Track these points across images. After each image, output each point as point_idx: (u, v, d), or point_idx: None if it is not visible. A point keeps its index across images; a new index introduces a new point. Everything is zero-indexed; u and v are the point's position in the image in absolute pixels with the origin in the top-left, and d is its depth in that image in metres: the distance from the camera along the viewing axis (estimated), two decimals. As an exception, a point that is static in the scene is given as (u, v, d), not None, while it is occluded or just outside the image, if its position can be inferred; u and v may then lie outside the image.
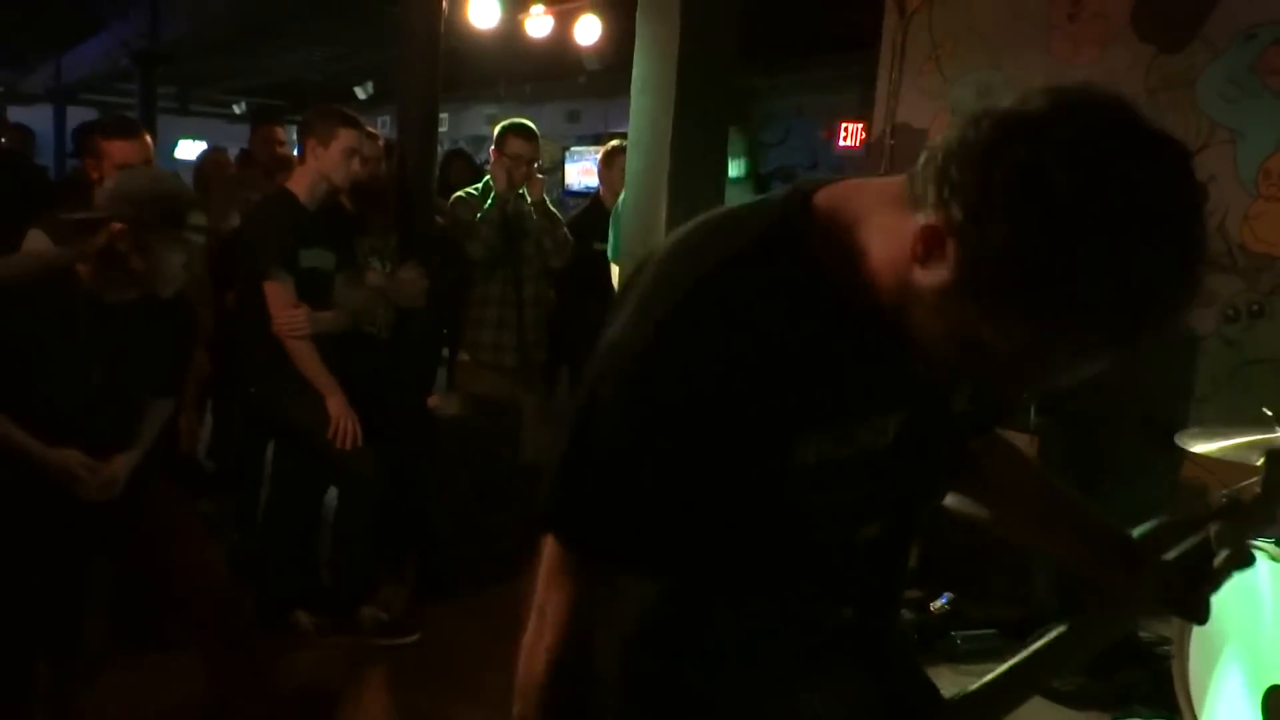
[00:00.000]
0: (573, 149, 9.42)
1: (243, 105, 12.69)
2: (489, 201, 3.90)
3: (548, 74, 8.22)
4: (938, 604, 3.51)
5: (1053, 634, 1.14)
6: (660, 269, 0.97)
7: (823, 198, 0.96)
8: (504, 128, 3.96)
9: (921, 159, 0.87)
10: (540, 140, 4.06)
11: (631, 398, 0.93)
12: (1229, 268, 3.85)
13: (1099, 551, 1.24)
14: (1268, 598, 2.61)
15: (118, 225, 2.24)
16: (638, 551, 0.96)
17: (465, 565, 3.69)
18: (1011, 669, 1.11)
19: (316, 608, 3.37)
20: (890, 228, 0.90)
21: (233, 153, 6.14)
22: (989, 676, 1.10)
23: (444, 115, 11.08)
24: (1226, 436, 2.70)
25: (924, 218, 0.85)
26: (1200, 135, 3.92)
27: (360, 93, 10.10)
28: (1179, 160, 0.82)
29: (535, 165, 3.96)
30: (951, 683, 1.15)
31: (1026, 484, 1.30)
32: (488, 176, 4.01)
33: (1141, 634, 3.24)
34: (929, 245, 0.85)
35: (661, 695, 1.09)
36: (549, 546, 0.98)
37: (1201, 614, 1.19)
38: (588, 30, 6.01)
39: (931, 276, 0.85)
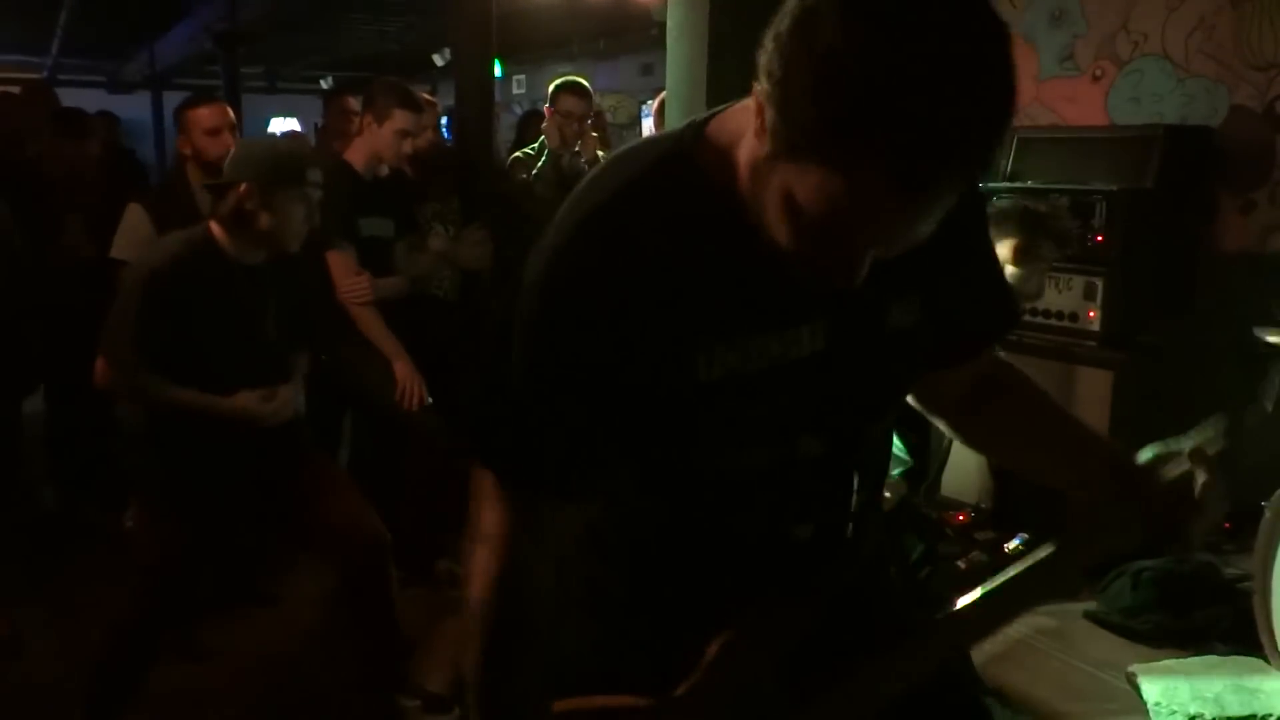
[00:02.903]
0: (648, 103, 9.38)
1: (329, 80, 12.96)
2: (543, 160, 3.92)
3: (618, 29, 8.18)
4: (1012, 544, 3.45)
5: (1040, 554, 1.13)
6: (567, 204, 1.02)
7: (715, 123, 1.00)
8: (557, 85, 3.98)
9: None
10: (615, 97, 4.07)
11: (529, 328, 0.97)
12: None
13: (1101, 478, 1.20)
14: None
15: (244, 186, 2.40)
16: (549, 478, 1.01)
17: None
18: (996, 589, 1.12)
19: (396, 561, 3.49)
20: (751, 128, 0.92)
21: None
22: (971, 596, 1.10)
23: (521, 78, 11.16)
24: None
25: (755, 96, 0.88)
26: (1289, 45, 3.69)
27: (438, 59, 10.21)
28: (968, 6, 0.81)
29: (589, 122, 3.97)
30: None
31: (1026, 412, 1.27)
32: (543, 136, 4.04)
33: (1224, 571, 3.13)
34: (759, 121, 0.87)
35: (612, 605, 1.14)
36: (476, 471, 1.04)
37: (1187, 544, 1.16)
38: (649, -20, 5.94)
39: (760, 150, 0.89)
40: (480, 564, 1.05)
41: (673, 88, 2.64)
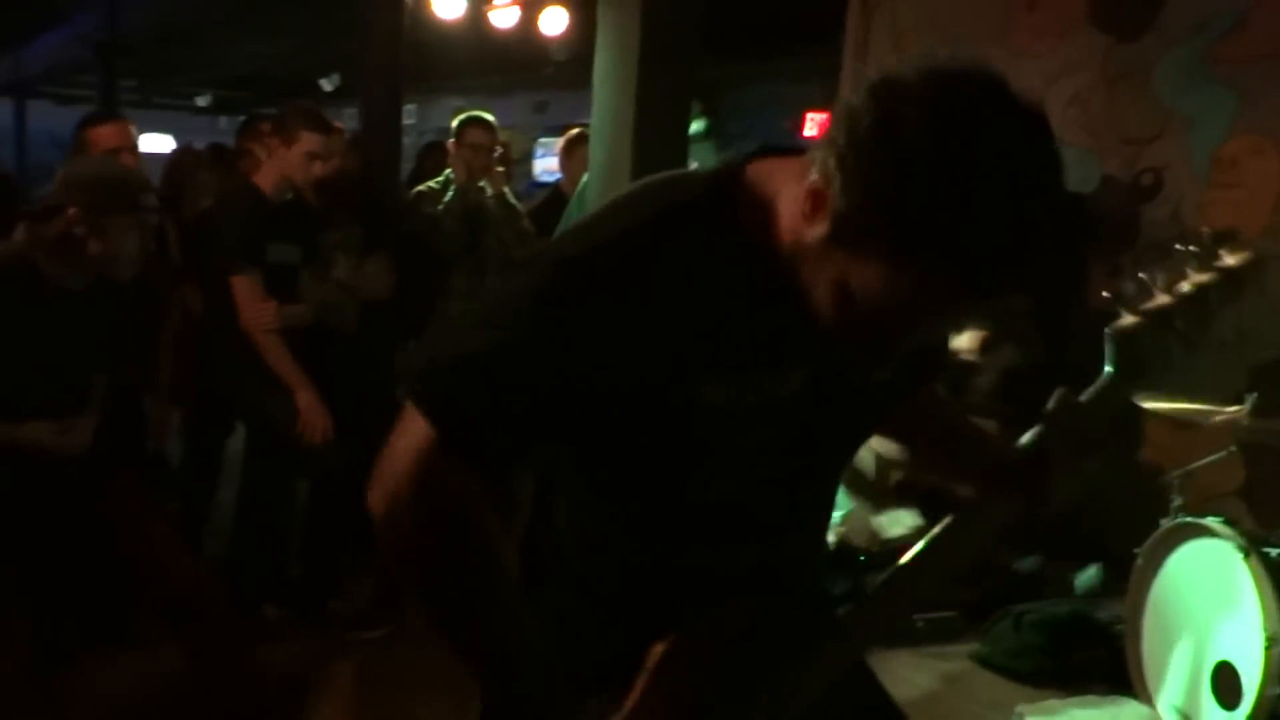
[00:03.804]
0: (540, 140, 9.44)
1: (207, 98, 12.58)
2: (449, 194, 3.90)
3: (514, 65, 8.21)
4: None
5: (929, 536, 1.21)
6: (609, 206, 1.07)
7: (752, 170, 1.05)
8: (463, 119, 3.97)
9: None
10: (507, 132, 4.07)
11: (547, 301, 0.99)
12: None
13: (997, 475, 1.28)
14: (1215, 577, 2.68)
15: (73, 211, 2.29)
16: (481, 448, 1.00)
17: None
18: (891, 577, 1.19)
19: (284, 601, 3.38)
20: (795, 196, 0.99)
21: (197, 146, 6.09)
22: (872, 588, 1.18)
23: (411, 107, 11.07)
24: (1180, 401, 2.83)
25: (810, 179, 0.95)
26: (1156, 124, 4.00)
27: (326, 85, 10.04)
28: (1033, 122, 0.90)
29: (495, 157, 3.97)
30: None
31: (941, 423, 1.38)
32: (448, 170, 4.01)
33: (1098, 614, 3.31)
34: (813, 203, 0.95)
35: (561, 614, 1.15)
36: (409, 414, 1.02)
37: (1044, 500, 1.23)
38: (554, 21, 6.01)
39: (813, 231, 0.95)
40: (391, 489, 1.02)
41: (598, 130, 2.69)
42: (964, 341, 2.94)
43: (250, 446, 3.54)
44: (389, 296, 3.64)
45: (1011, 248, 0.90)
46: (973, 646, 3.26)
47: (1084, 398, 1.25)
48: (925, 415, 1.36)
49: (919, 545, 1.22)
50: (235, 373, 3.21)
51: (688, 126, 2.79)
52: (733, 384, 1.03)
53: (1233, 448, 3.14)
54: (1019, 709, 2.86)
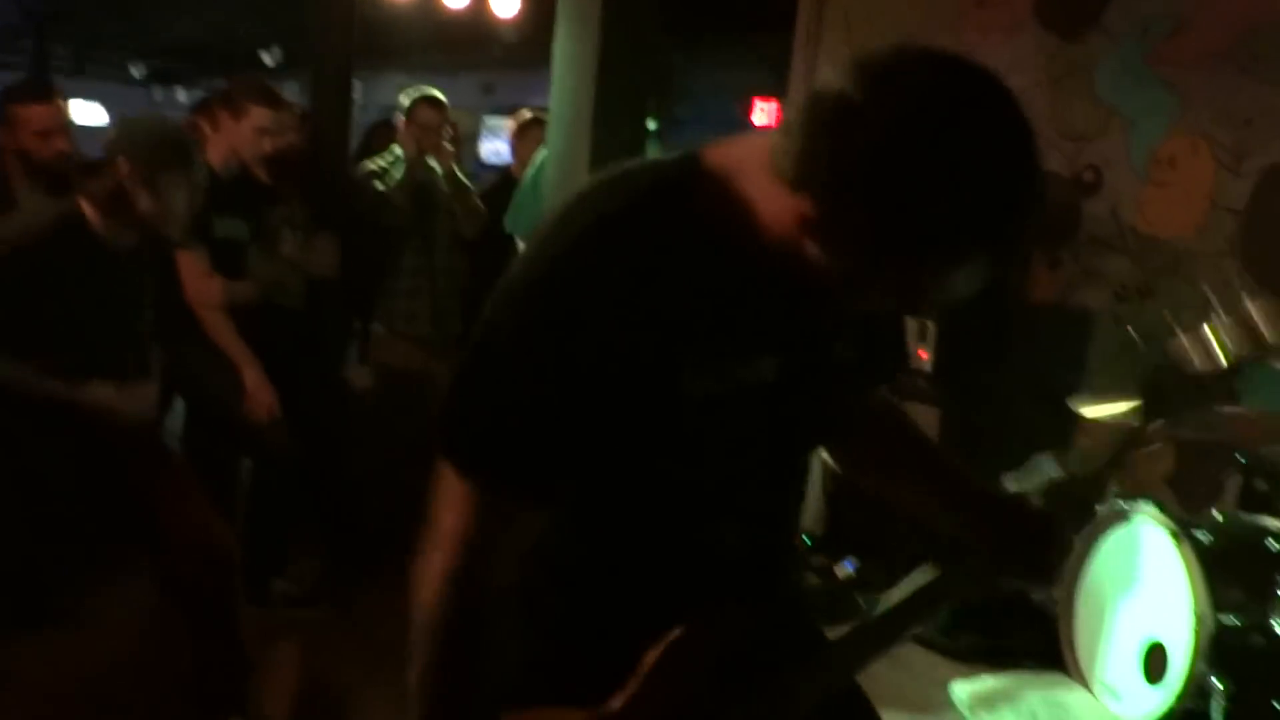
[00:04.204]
0: (487, 122, 9.36)
1: (142, 68, 12.25)
2: (399, 172, 3.87)
3: (463, 45, 8.14)
4: (843, 569, 3.64)
5: (923, 581, 1.23)
6: (561, 212, 1.05)
7: (711, 156, 1.05)
8: (415, 98, 3.94)
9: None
10: (453, 111, 4.05)
11: (523, 325, 1.00)
12: (1121, 249, 4.05)
13: (980, 523, 1.30)
14: (1146, 559, 2.78)
15: (126, 166, 2.27)
16: (523, 477, 1.02)
17: (377, 538, 3.68)
18: (888, 613, 1.23)
19: (229, 581, 3.33)
20: (761, 178, 0.99)
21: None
22: (865, 620, 1.19)
23: (356, 83, 10.89)
24: (1114, 403, 2.88)
25: (779, 162, 0.96)
26: (1098, 122, 4.10)
27: (267, 58, 9.84)
28: (1003, 94, 0.93)
29: (445, 135, 3.95)
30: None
31: (915, 453, 1.37)
32: (396, 147, 3.98)
33: (1033, 594, 3.41)
34: (783, 185, 0.95)
35: (550, 616, 1.15)
36: (442, 468, 1.03)
37: (1049, 579, 1.28)
38: (506, 4, 5.97)
39: (786, 212, 0.96)
40: (435, 566, 1.04)
41: (557, 115, 2.69)
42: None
43: (190, 424, 3.49)
44: (336, 274, 3.61)
45: (984, 229, 0.92)
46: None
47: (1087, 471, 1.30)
48: (900, 444, 1.35)
49: (913, 587, 1.25)
50: (177, 349, 3.16)
51: (646, 113, 2.80)
52: (711, 371, 1.04)
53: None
54: (954, 685, 2.94)
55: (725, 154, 1.05)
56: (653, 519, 1.13)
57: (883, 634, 1.28)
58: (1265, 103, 3.62)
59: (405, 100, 3.98)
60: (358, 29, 4.13)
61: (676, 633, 1.11)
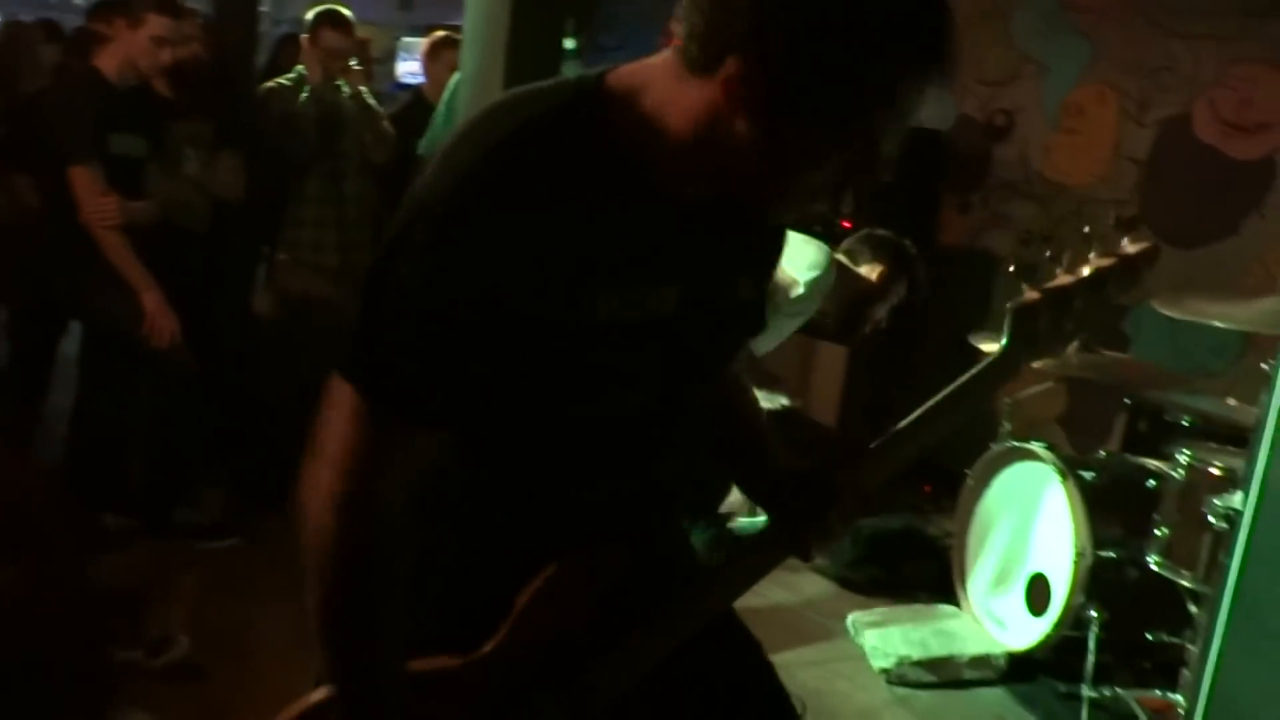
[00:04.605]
0: (404, 40, 9.05)
1: (35, -34, 11.51)
2: (303, 94, 3.72)
3: (379, -43, 7.83)
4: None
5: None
6: (460, 133, 1.03)
7: (613, 76, 1.03)
8: (317, 16, 3.74)
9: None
10: (368, 29, 3.90)
11: (429, 250, 0.97)
12: (1027, 194, 4.14)
13: (769, 489, 1.32)
14: (1034, 496, 2.91)
15: None
16: (427, 404, 1.00)
17: (284, 468, 3.63)
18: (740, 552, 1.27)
19: (126, 510, 3.27)
20: (664, 86, 0.99)
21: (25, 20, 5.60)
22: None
23: (265, -7, 10.41)
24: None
25: (685, 50, 0.95)
26: (1012, 67, 4.16)
27: (172, -38, 9.35)
28: None
29: (351, 57, 3.80)
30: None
31: (738, 416, 1.36)
32: (300, 66, 3.82)
33: (929, 530, 3.54)
34: (703, 80, 0.95)
35: (433, 556, 1.12)
36: (338, 390, 1.01)
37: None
38: (423, -85, 5.74)
39: (697, 102, 0.96)
40: (327, 486, 1.01)
41: (470, 37, 2.62)
42: (866, 271, 3.10)
43: (87, 348, 3.38)
44: (242, 196, 3.49)
45: (928, 12, 0.94)
46: (818, 560, 3.44)
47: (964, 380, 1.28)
48: (728, 403, 1.33)
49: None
50: (73, 271, 3.04)
51: (562, 34, 2.75)
52: (620, 297, 1.02)
53: (1054, 380, 3.37)
54: (851, 616, 3.05)
55: (627, 72, 1.03)
56: (544, 453, 1.11)
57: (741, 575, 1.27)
58: (1171, 55, 3.71)
59: (308, 17, 3.81)
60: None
61: (549, 571, 1.12)
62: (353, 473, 1.00)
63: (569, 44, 3.15)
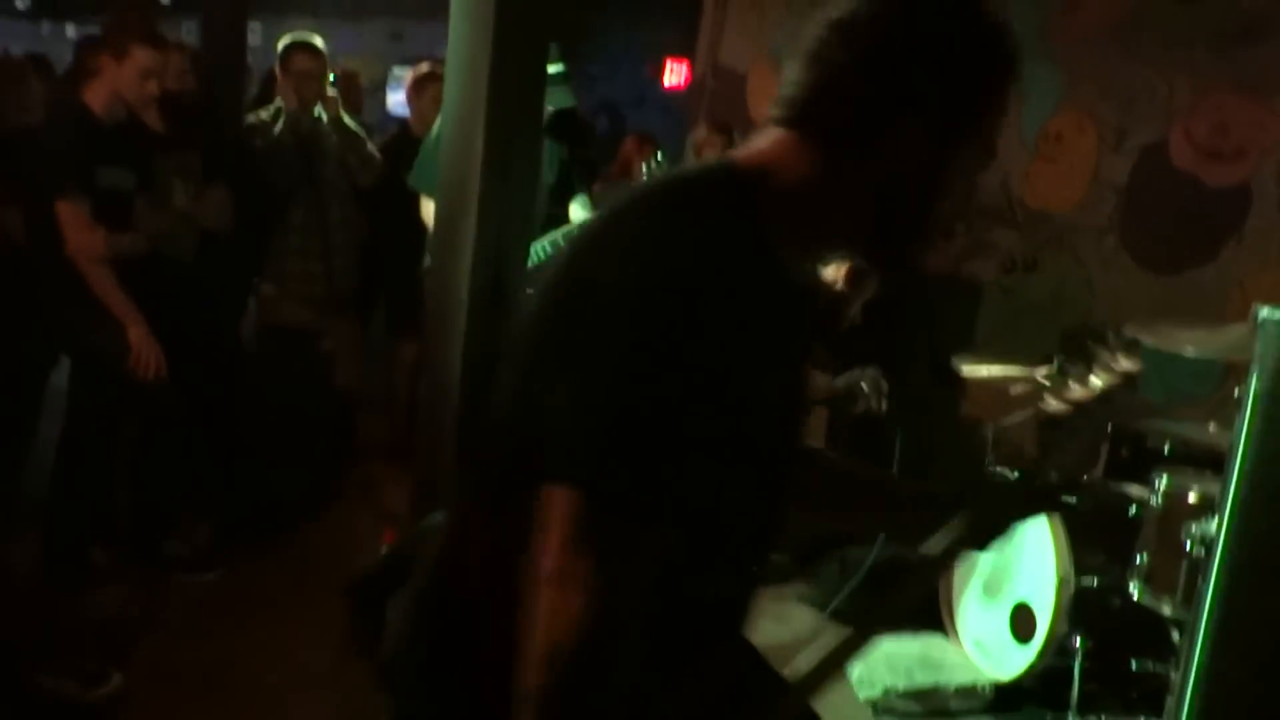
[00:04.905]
0: (395, 72, 9.11)
1: (27, 0, 11.60)
2: (278, 124, 3.75)
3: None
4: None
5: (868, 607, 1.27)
6: (642, 218, 1.03)
7: (740, 162, 1.08)
8: (287, 45, 3.78)
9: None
10: (359, 60, 3.94)
11: (646, 341, 0.94)
12: (1009, 222, 4.18)
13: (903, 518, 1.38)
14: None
15: None
16: (663, 502, 0.95)
17: (271, 499, 3.64)
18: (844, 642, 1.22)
19: (113, 542, 3.26)
20: (812, 163, 1.05)
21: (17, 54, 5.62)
22: (819, 656, 1.19)
23: (256, 25, 10.52)
24: (994, 364, 3.04)
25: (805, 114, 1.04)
26: (991, 96, 4.20)
27: (162, -5, 9.41)
28: None
29: (326, 82, 3.82)
30: None
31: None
32: (279, 99, 3.85)
33: (914, 558, 3.54)
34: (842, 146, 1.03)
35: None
36: (561, 505, 0.93)
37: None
38: (411, -52, 5.80)
39: (852, 168, 1.04)
40: (568, 610, 0.92)
41: (453, 68, 2.64)
42: (832, 273, 3.15)
43: (75, 381, 3.38)
44: (230, 227, 3.51)
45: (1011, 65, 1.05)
46: (800, 588, 3.45)
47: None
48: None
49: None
50: (60, 303, 3.05)
51: (546, 68, 2.78)
52: (776, 378, 1.06)
53: (1035, 407, 3.39)
54: (839, 645, 3.05)
55: (748, 159, 1.07)
56: (707, 544, 1.06)
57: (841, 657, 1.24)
58: (1145, 83, 3.76)
59: (279, 47, 3.84)
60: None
61: (690, 670, 1.10)
62: (608, 593, 0.93)
63: (556, 68, 3.16)
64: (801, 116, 1.04)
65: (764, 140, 1.07)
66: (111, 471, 3.37)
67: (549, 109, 3.14)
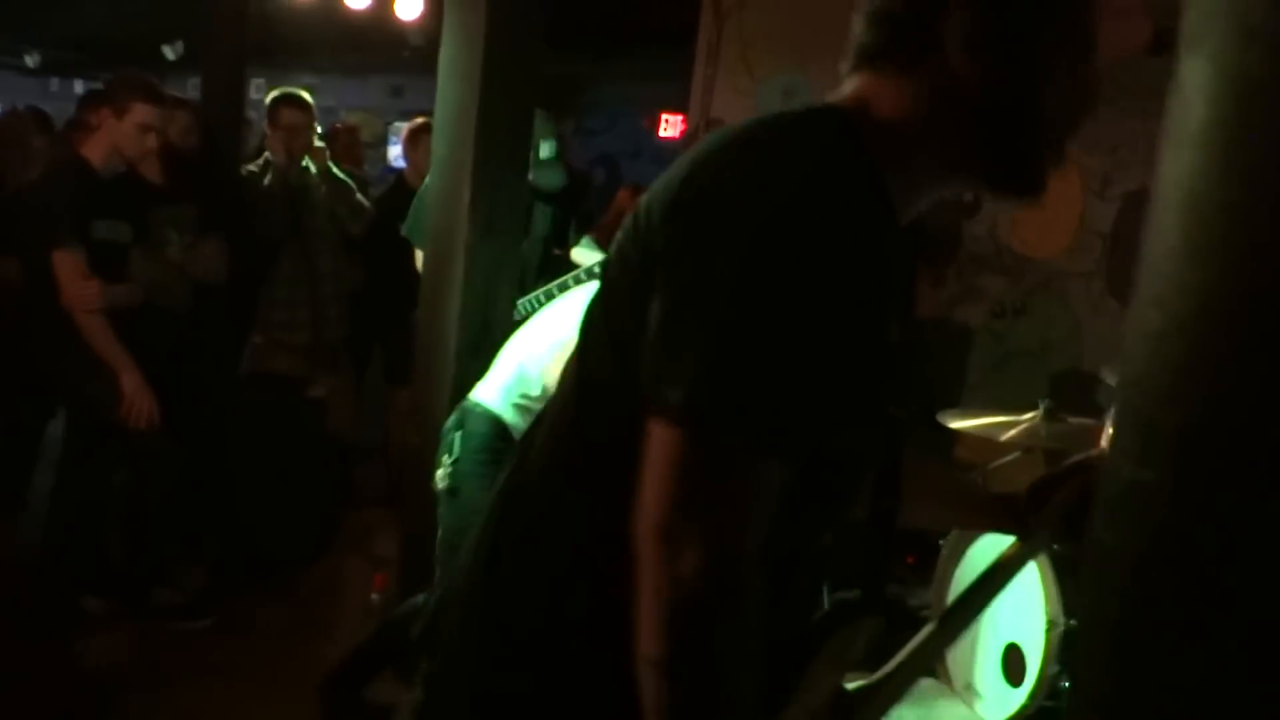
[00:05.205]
0: (395, 126, 9.26)
1: (37, 57, 11.82)
2: (269, 176, 3.81)
3: (370, 47, 8.05)
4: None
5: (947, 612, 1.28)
6: (759, 155, 0.95)
7: (837, 104, 1.03)
8: (275, 98, 3.86)
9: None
10: (360, 115, 4.02)
11: (773, 268, 0.88)
12: (998, 268, 4.22)
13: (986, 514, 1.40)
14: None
15: None
16: (791, 434, 0.88)
17: (265, 546, 3.64)
18: (914, 651, 1.25)
19: (106, 591, 3.27)
20: (899, 94, 1.01)
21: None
22: (894, 662, 1.22)
23: (260, 82, 10.70)
24: (980, 417, 3.04)
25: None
26: (978, 145, 4.27)
27: (169, 53, 9.57)
28: None
29: (313, 134, 3.90)
30: None
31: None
32: (268, 152, 3.92)
33: (910, 601, 3.53)
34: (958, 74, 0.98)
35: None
36: (673, 446, 0.87)
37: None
38: (409, 7, 5.94)
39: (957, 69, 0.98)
40: (689, 564, 0.85)
41: (441, 123, 2.70)
42: None
43: (70, 430, 3.41)
44: (224, 279, 3.56)
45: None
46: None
47: None
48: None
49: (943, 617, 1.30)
50: (55, 353, 3.09)
51: (531, 123, 2.84)
52: (894, 321, 0.99)
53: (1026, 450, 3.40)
54: (831, 691, 3.03)
55: (839, 102, 1.03)
56: (811, 496, 0.98)
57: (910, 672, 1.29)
58: (1128, 132, 3.81)
59: (267, 101, 3.92)
60: (260, 27, 4.09)
61: (833, 639, 1.11)
62: (735, 539, 0.86)
63: (548, 150, 3.26)
64: (870, 54, 1.01)
65: (845, 88, 1.03)
66: (104, 520, 3.39)
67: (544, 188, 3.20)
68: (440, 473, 2.38)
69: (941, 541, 3.10)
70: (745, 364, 0.86)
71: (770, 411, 0.87)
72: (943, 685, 3.02)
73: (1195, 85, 0.58)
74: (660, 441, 0.87)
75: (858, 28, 1.03)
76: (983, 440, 3.81)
